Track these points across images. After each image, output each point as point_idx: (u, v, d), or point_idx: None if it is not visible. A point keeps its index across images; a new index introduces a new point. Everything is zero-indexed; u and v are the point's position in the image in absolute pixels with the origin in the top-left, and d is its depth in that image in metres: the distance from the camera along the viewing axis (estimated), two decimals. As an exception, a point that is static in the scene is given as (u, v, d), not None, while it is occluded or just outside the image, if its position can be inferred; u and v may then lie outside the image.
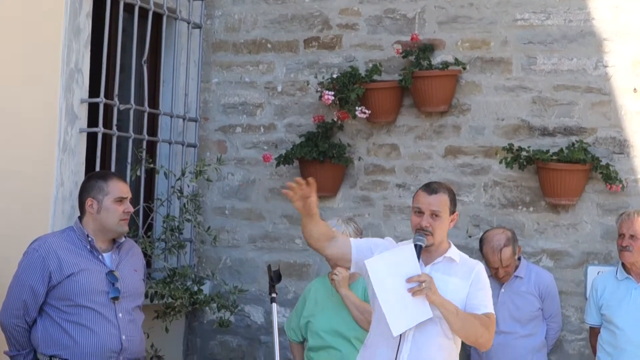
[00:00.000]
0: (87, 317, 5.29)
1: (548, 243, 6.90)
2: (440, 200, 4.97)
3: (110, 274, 5.38)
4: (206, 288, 7.37)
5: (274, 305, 5.41)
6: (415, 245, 4.88)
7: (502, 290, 6.62)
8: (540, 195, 6.88)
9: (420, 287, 4.78)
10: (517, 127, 7.00)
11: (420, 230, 4.93)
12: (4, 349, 5.47)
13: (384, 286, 4.80)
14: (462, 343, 5.02)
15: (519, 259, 6.70)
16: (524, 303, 6.61)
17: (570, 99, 6.90)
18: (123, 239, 5.53)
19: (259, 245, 7.54)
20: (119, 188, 5.45)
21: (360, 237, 5.97)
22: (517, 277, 6.65)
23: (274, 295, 5.45)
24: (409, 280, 4.79)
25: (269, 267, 5.58)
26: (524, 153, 6.81)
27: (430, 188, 5.01)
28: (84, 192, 5.48)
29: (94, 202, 5.41)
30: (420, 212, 4.95)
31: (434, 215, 4.94)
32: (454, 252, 5.01)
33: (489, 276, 6.58)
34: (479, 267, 5.02)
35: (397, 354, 4.85)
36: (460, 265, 4.99)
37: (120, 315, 5.36)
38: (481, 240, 6.69)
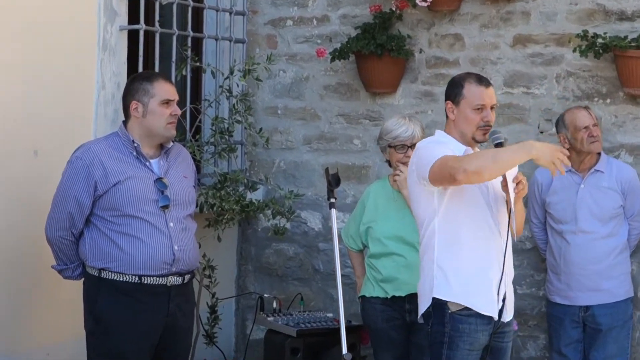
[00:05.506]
0: (136, 227, 5.34)
1: (627, 137, 6.89)
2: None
3: (158, 181, 5.42)
4: (259, 193, 7.48)
5: (333, 210, 5.45)
6: (501, 144, 5.10)
7: (582, 185, 6.59)
8: (618, 86, 6.85)
9: (522, 185, 5.12)
10: (592, 11, 6.95)
11: (487, 128, 5.18)
12: (51, 263, 5.56)
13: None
14: None
15: (599, 153, 6.65)
16: (604, 199, 6.57)
17: (650, -22, 6.86)
18: (171, 143, 5.54)
19: (315, 147, 7.61)
20: (165, 90, 5.45)
21: (424, 134, 6.04)
22: (597, 171, 6.61)
23: (333, 200, 5.49)
24: (514, 180, 5.10)
25: (327, 170, 5.61)
26: (599, 40, 6.76)
27: (484, 81, 5.23)
28: (128, 95, 5.47)
29: (139, 105, 5.41)
30: (480, 108, 5.17)
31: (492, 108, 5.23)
32: None
33: (567, 172, 6.59)
34: None
35: (505, 256, 5.10)
36: None
37: (171, 224, 5.40)
38: (560, 117, 6.68)
